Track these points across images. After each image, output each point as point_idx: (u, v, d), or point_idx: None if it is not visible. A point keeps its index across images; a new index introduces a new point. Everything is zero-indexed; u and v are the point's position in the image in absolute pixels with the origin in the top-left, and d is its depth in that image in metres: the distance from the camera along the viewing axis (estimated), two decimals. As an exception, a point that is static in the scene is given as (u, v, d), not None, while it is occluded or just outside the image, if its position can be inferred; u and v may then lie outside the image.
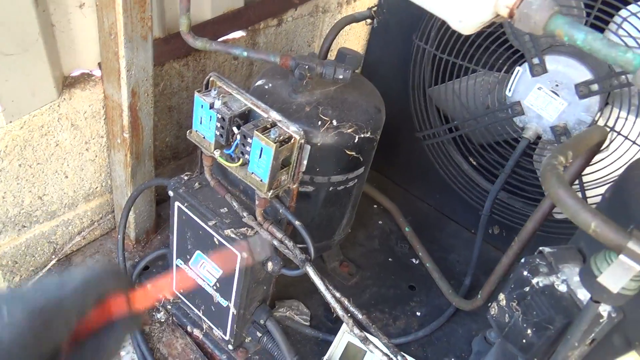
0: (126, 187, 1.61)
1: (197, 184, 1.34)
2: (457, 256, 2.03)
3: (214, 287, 1.39)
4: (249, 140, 1.10)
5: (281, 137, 1.09)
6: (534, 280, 0.95)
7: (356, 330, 1.15)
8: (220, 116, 1.13)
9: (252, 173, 1.14)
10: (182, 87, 1.74)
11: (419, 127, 1.90)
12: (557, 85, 1.50)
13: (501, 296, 1.04)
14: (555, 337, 0.94)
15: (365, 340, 1.15)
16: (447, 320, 1.77)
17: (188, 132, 1.23)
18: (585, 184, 1.59)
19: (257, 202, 1.22)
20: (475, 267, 1.85)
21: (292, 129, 1.11)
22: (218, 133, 1.16)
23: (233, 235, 1.25)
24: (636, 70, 0.64)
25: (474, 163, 1.85)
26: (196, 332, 1.54)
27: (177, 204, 1.32)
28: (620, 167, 1.47)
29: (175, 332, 1.56)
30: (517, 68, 1.56)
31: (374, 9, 1.92)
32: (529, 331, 0.97)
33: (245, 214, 1.27)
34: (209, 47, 1.33)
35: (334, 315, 1.19)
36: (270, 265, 1.29)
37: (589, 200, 1.59)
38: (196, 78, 1.77)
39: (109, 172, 1.66)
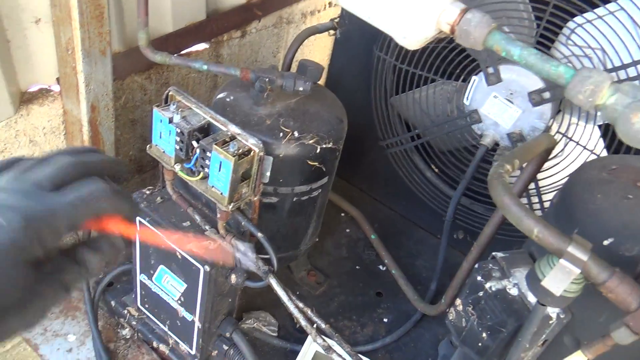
0: (88, 202, 1.59)
1: (159, 198, 1.34)
2: (423, 262, 2.06)
3: (179, 302, 1.38)
4: (208, 154, 1.11)
5: (240, 150, 1.10)
6: (487, 285, 0.99)
7: (319, 340, 1.16)
8: (179, 130, 1.13)
9: (213, 186, 1.15)
10: (144, 101, 1.73)
11: (382, 136, 1.94)
12: (511, 94, 1.55)
13: (458, 301, 1.07)
14: (508, 340, 0.97)
15: (328, 349, 1.16)
16: (414, 325, 1.80)
17: (148, 146, 1.22)
18: (542, 189, 1.64)
19: (218, 215, 1.22)
20: (441, 272, 1.89)
21: (251, 142, 1.12)
22: (178, 147, 1.16)
23: (195, 250, 1.25)
24: (567, 84, 0.68)
25: (436, 170, 1.89)
26: (162, 347, 1.52)
27: (139, 218, 1.31)
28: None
29: (141, 348, 1.54)
30: (474, 77, 1.61)
31: (336, 20, 1.96)
32: (484, 335, 1.00)
33: (207, 227, 1.27)
34: (169, 61, 1.34)
35: (297, 325, 1.20)
36: (233, 277, 1.29)
37: (546, 205, 1.65)
38: (159, 91, 1.77)
39: (70, 188, 1.64)
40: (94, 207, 0.54)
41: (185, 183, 1.29)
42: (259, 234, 1.23)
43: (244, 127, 1.19)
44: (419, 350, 1.75)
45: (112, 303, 1.58)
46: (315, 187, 1.52)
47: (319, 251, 1.98)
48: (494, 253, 1.04)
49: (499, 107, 1.59)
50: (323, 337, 1.18)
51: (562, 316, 0.94)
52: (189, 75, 1.86)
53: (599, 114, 1.48)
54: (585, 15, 1.41)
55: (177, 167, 1.19)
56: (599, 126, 1.53)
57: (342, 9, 2.04)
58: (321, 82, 2.10)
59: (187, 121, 1.13)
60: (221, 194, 1.14)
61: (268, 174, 1.42)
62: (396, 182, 2.03)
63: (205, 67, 1.34)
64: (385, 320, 1.82)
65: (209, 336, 1.43)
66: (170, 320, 1.46)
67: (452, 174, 1.86)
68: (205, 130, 1.17)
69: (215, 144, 1.09)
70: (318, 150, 1.42)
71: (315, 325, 1.22)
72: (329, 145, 1.44)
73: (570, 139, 1.53)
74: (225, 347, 1.45)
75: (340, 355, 1.15)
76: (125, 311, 1.56)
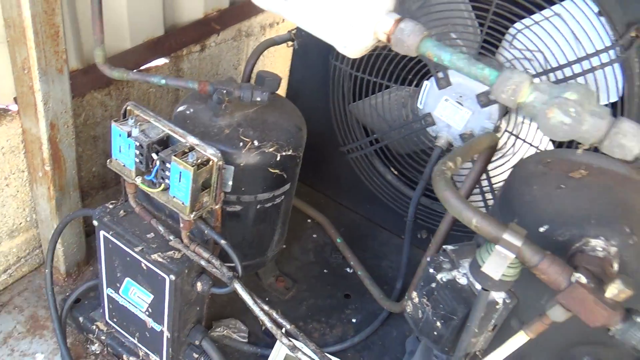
0: (52, 220, 1.59)
1: (122, 211, 1.36)
2: (389, 262, 2.12)
3: (147, 313, 1.40)
4: (167, 165, 1.14)
5: (199, 160, 1.13)
6: (439, 276, 1.04)
7: (284, 340, 1.20)
8: (138, 144, 1.16)
9: (174, 197, 1.18)
10: (105, 117, 1.74)
11: (343, 142, 2.00)
12: (461, 97, 1.63)
13: (414, 294, 1.12)
14: (460, 326, 1.03)
15: (294, 348, 1.20)
16: (382, 324, 1.85)
17: (108, 161, 1.25)
18: (495, 185, 1.73)
19: (181, 225, 1.25)
20: (406, 271, 1.95)
21: (210, 152, 1.16)
22: (138, 160, 1.18)
23: (160, 260, 1.27)
24: (492, 85, 0.74)
25: (395, 172, 1.96)
26: (132, 360, 1.53)
27: (102, 232, 1.33)
28: (522, 168, 1.61)
29: (111, 362, 1.55)
30: (426, 82, 1.68)
31: (293, 32, 2.01)
32: (438, 324, 1.06)
33: (171, 237, 1.30)
34: (127, 76, 1.36)
35: (263, 328, 1.23)
36: (199, 285, 1.32)
37: (499, 200, 1.73)
38: (120, 107, 1.78)
39: (33, 207, 1.64)
40: None
41: (147, 195, 1.32)
42: (222, 241, 1.27)
43: (204, 138, 1.22)
44: (387, 347, 1.80)
45: (80, 319, 1.58)
46: (277, 194, 1.56)
47: (286, 257, 2.02)
48: (444, 246, 1.10)
49: (450, 109, 1.66)
50: (289, 338, 1.22)
51: (507, 301, 1.01)
52: (150, 90, 1.89)
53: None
54: (523, 21, 1.50)
55: (139, 180, 1.22)
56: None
57: (299, 21, 2.10)
58: (282, 93, 2.16)
59: (146, 134, 1.16)
60: (182, 203, 1.18)
61: (230, 183, 1.46)
62: (359, 186, 2.09)
63: (163, 81, 1.37)
64: (353, 320, 1.86)
65: (179, 345, 1.45)
66: (139, 332, 1.47)
67: (411, 176, 1.93)
68: (165, 143, 1.20)
69: (175, 155, 1.12)
70: (278, 158, 1.46)
71: (283, 329, 1.25)
72: (289, 153, 1.49)
73: (518, 137, 1.62)
74: (196, 355, 1.47)
75: (305, 354, 1.19)
76: (94, 326, 1.56)
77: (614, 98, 1.42)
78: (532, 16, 1.48)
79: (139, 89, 1.83)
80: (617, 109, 1.44)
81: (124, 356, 1.54)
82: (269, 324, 1.22)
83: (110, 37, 1.52)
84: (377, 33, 0.81)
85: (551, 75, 1.47)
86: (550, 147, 1.62)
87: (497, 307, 1.00)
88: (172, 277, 1.25)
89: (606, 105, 1.44)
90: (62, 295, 1.68)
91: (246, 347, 1.65)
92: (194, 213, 1.19)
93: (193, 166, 1.11)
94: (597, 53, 1.36)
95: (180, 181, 1.14)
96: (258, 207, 1.54)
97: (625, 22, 1.36)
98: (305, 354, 1.17)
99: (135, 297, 1.39)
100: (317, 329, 1.80)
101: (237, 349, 1.65)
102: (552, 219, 0.94)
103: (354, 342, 1.77)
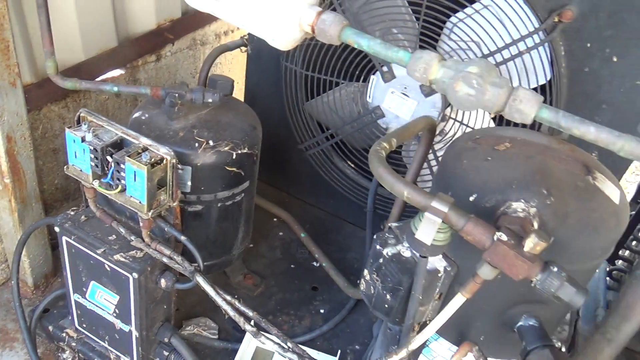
0: (15, 233, 1.61)
1: (83, 216, 1.40)
2: (354, 254, 2.19)
3: (114, 314, 1.43)
4: (122, 166, 1.19)
5: (153, 160, 1.19)
6: (385, 251, 1.12)
7: (248, 327, 1.25)
8: (92, 147, 1.20)
9: (131, 196, 1.23)
10: (64, 129, 1.76)
11: (300, 140, 2.07)
12: (405, 88, 1.72)
13: (365, 272, 1.19)
14: (406, 297, 1.10)
15: (256, 334, 1.25)
16: (349, 312, 1.91)
17: (65, 167, 1.29)
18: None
19: (141, 224, 1.30)
20: (370, 260, 2.02)
21: (163, 151, 1.21)
22: (93, 164, 1.23)
23: (123, 259, 1.31)
24: (407, 65, 0.82)
25: (352, 166, 2.04)
26: (104, 363, 1.56)
27: (64, 238, 1.37)
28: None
29: (83, 368, 1.57)
30: (372, 77, 1.77)
31: (245, 37, 2.08)
32: (387, 296, 1.13)
33: (133, 237, 1.34)
34: (79, 86, 1.41)
35: (227, 317, 1.28)
36: (163, 281, 1.36)
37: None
38: (75, 120, 1.82)
39: (-5, 221, 1.66)
40: None
41: (107, 199, 1.36)
42: (182, 237, 1.32)
43: (160, 141, 1.27)
44: (355, 334, 1.87)
45: (50, 328, 1.60)
46: (237, 191, 1.62)
47: (254, 255, 2.07)
48: (389, 224, 1.17)
49: (397, 101, 1.75)
50: (251, 324, 1.27)
51: (448, 269, 1.09)
52: (108, 100, 1.92)
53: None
54: (457, 14, 1.60)
55: (96, 183, 1.26)
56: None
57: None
58: (240, 97, 2.22)
59: (100, 138, 1.21)
60: (140, 202, 1.22)
61: (189, 183, 1.51)
62: (320, 182, 2.16)
63: (115, 88, 1.42)
64: (322, 311, 1.92)
65: (148, 344, 1.49)
66: (109, 335, 1.50)
67: (368, 169, 2.01)
68: (119, 145, 1.24)
69: (128, 156, 1.17)
70: (234, 156, 1.52)
71: (250, 321, 1.30)
72: (245, 151, 1.55)
73: (462, 123, 1.72)
74: (166, 353, 1.51)
75: (269, 338, 1.24)
76: (64, 334, 1.58)
77: (542, 81, 1.52)
78: (465, 10, 1.58)
79: (96, 100, 1.87)
80: (546, 92, 1.54)
81: (96, 361, 1.57)
82: (231, 313, 1.27)
83: (63, 50, 1.56)
84: (302, 25, 0.88)
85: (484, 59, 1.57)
86: (493, 130, 1.72)
87: (440, 275, 1.07)
88: (135, 275, 1.29)
89: (535, 89, 1.55)
90: (31, 307, 1.69)
91: (217, 343, 1.70)
92: (151, 211, 1.24)
93: (146, 165, 1.16)
94: (523, 38, 1.46)
95: (135, 180, 1.19)
96: (219, 205, 1.59)
97: (548, 9, 1.47)
98: (268, 338, 1.23)
99: (101, 299, 1.43)
100: (286, 321, 1.85)
101: (208, 345, 1.69)
102: (480, 188, 1.02)
103: (323, 331, 1.83)
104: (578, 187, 1.04)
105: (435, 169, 1.81)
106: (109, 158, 1.21)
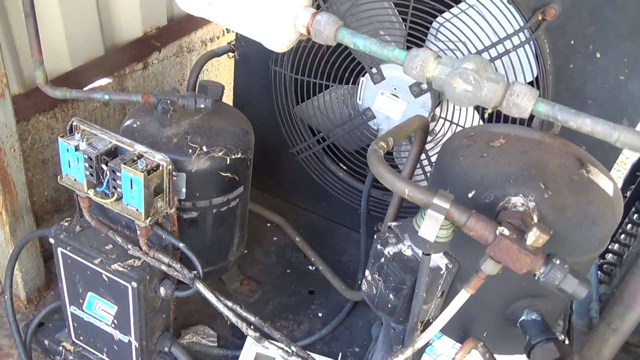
0: (7, 247, 1.58)
1: (77, 227, 1.38)
2: (349, 256, 2.20)
3: (113, 325, 1.42)
4: (118, 174, 1.17)
5: (149, 167, 1.18)
6: (386, 251, 1.12)
7: (250, 332, 1.25)
8: (87, 156, 1.19)
9: (128, 204, 1.22)
10: (52, 140, 1.75)
11: (292, 144, 2.07)
12: (395, 89, 1.73)
13: (367, 272, 1.19)
14: (410, 295, 1.10)
15: (259, 339, 1.24)
16: (347, 315, 1.91)
17: (59, 177, 1.27)
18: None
19: (138, 232, 1.28)
20: (365, 262, 2.02)
21: (158, 157, 1.20)
22: (88, 173, 1.21)
23: (121, 269, 1.30)
24: (403, 64, 0.83)
25: (345, 168, 2.04)
26: (102, 376, 1.53)
27: (59, 249, 1.35)
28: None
29: (80, 381, 1.55)
30: (362, 79, 1.78)
31: (232, 43, 2.08)
32: (390, 296, 1.13)
33: (130, 246, 1.32)
34: (69, 95, 1.39)
35: (228, 323, 1.27)
36: (162, 290, 1.35)
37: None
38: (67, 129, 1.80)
39: (-14, 236, 1.62)
40: None
41: (102, 208, 1.35)
42: (180, 244, 1.31)
43: (153, 148, 1.26)
44: (355, 336, 1.87)
45: (46, 342, 1.57)
46: (232, 197, 1.61)
47: (249, 261, 2.06)
48: (389, 223, 1.17)
49: (387, 102, 1.76)
50: (254, 330, 1.27)
51: (450, 266, 1.10)
52: (96, 110, 1.91)
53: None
54: (444, 15, 1.62)
55: (91, 193, 1.25)
56: (476, 109, 1.74)
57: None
58: (229, 102, 2.21)
59: (94, 146, 1.20)
60: (137, 210, 1.21)
61: (184, 190, 1.50)
62: (313, 186, 2.16)
63: (106, 96, 1.40)
64: (320, 314, 1.92)
65: (148, 355, 1.47)
66: (107, 346, 1.48)
67: (360, 170, 2.02)
68: (113, 154, 1.23)
69: (124, 164, 1.16)
70: (228, 162, 1.52)
71: (252, 326, 1.30)
72: (238, 156, 1.55)
73: (452, 122, 1.73)
74: (166, 363, 1.49)
75: (272, 343, 1.24)
76: (60, 348, 1.56)
77: (529, 78, 1.55)
78: (451, 10, 1.59)
79: (84, 109, 1.85)
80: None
81: (94, 374, 1.55)
82: (233, 319, 1.27)
83: (50, 59, 1.54)
84: (297, 27, 0.89)
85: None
86: (483, 128, 1.74)
87: (442, 272, 1.08)
88: (134, 284, 1.28)
89: (525, 83, 1.57)
90: (25, 321, 1.66)
91: (216, 350, 1.68)
92: (149, 219, 1.23)
93: (143, 172, 1.15)
94: (509, 36, 1.49)
95: (132, 188, 1.18)
96: (214, 211, 1.58)
97: (532, 8, 1.50)
98: (272, 343, 1.22)
99: (99, 311, 1.41)
100: (285, 326, 1.85)
101: (208, 353, 1.68)
102: (478, 184, 1.03)
103: (322, 335, 1.82)
104: (573, 181, 1.05)
105: (426, 168, 1.83)
106: (104, 166, 1.20)
